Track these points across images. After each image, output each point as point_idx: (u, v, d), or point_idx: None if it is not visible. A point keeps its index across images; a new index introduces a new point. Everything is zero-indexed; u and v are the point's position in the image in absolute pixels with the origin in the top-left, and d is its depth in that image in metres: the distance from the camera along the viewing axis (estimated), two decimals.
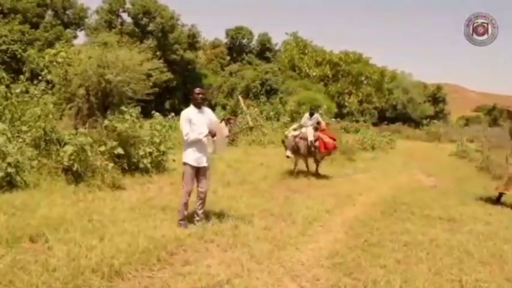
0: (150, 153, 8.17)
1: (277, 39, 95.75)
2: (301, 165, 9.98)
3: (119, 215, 5.05)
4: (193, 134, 4.78)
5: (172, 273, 3.59)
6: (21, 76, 9.03)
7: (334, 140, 9.90)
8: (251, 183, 8.11)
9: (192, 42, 45.45)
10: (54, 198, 5.59)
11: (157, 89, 10.64)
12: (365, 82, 48.19)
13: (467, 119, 57.93)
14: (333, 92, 43.86)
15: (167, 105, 39.05)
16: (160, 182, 7.65)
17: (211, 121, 5.00)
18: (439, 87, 59.47)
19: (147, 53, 11.26)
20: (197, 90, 4.98)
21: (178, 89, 40.32)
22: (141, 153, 7.97)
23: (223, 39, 54.40)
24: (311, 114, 9.88)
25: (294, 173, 9.51)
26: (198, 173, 4.94)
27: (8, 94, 7.79)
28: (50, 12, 39.51)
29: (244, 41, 53.67)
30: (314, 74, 45.09)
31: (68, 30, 37.89)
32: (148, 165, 8.04)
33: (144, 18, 41.00)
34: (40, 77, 9.60)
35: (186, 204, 4.89)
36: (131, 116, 8.10)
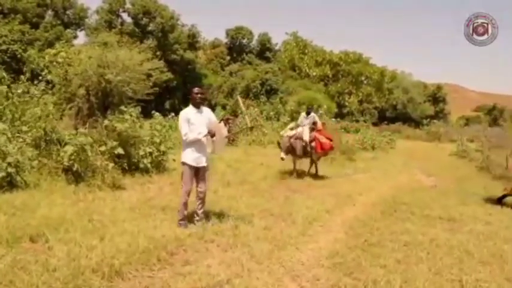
0: (150, 153, 8.17)
1: (277, 39, 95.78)
2: (301, 165, 9.96)
3: (119, 215, 5.05)
4: (192, 134, 4.77)
5: (172, 273, 3.59)
6: (22, 76, 9.03)
7: (331, 140, 9.84)
8: (251, 183, 8.11)
9: (192, 42, 45.43)
10: (55, 198, 5.59)
11: (157, 89, 10.64)
12: (365, 82, 48.17)
13: (467, 118, 57.96)
14: (333, 92, 43.85)
15: (167, 105, 39.03)
16: (161, 182, 7.65)
17: (210, 121, 4.99)
18: (439, 87, 59.44)
19: (147, 53, 11.27)
20: (196, 90, 4.96)
21: (178, 89, 40.30)
22: (141, 153, 7.97)
23: (223, 39, 54.45)
24: (307, 114, 9.84)
25: (294, 173, 9.49)
26: (197, 173, 4.93)
27: (9, 94, 7.79)
28: (50, 12, 39.50)
29: (244, 41, 53.65)
30: (314, 74, 45.09)
31: (68, 30, 37.88)
32: (149, 165, 8.04)
33: (144, 18, 40.98)
34: (40, 77, 9.60)
35: (185, 204, 4.89)
36: (131, 116, 8.10)
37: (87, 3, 57.79)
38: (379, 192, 8.50)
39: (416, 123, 45.42)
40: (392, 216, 6.23)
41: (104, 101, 8.97)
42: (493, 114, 58.97)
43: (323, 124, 10.78)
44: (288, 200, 6.96)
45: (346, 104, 44.29)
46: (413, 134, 36.20)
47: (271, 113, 23.61)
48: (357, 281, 3.63)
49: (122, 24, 41.89)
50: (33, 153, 6.54)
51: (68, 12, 40.65)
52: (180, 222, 4.86)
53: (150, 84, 9.71)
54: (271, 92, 38.16)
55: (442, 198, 8.11)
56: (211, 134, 4.84)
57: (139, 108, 8.92)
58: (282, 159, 9.18)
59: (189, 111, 4.87)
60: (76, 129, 7.73)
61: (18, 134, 6.90)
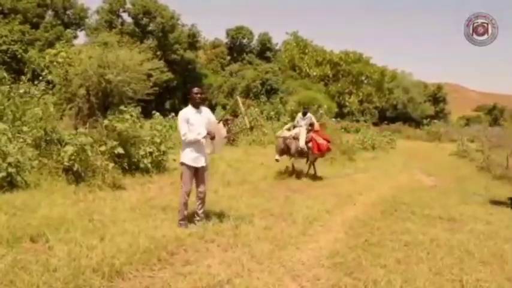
0: (151, 153, 8.18)
1: (278, 39, 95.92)
2: (301, 165, 9.93)
3: (119, 215, 5.05)
4: (191, 134, 4.76)
5: (173, 273, 3.59)
6: (23, 77, 9.04)
7: (328, 141, 9.71)
8: (251, 183, 8.11)
9: (192, 42, 45.41)
10: (55, 198, 5.59)
11: (157, 89, 10.66)
12: (365, 82, 48.17)
13: (467, 118, 58.00)
14: (334, 92, 43.86)
15: (167, 105, 39.04)
16: (161, 181, 7.65)
17: (210, 121, 4.98)
18: (439, 87, 59.42)
19: (147, 53, 11.30)
20: (195, 90, 4.94)
21: (179, 89, 40.28)
22: (142, 153, 7.97)
23: (224, 39, 54.42)
24: (304, 114, 9.75)
25: (293, 173, 9.47)
26: (197, 173, 4.92)
27: (12, 94, 7.80)
28: (50, 12, 39.47)
29: (245, 40, 53.61)
30: (314, 73, 45.11)
31: (68, 30, 37.84)
32: (149, 165, 8.04)
33: (144, 18, 40.95)
34: (41, 77, 9.61)
35: (185, 204, 4.88)
36: (131, 116, 8.11)
37: (87, 3, 57.82)
38: (380, 192, 8.50)
39: (417, 123, 45.40)
40: (393, 216, 6.23)
41: (104, 101, 8.98)
42: (494, 114, 59.02)
43: (322, 125, 10.70)
44: (288, 199, 6.96)
45: (347, 103, 44.31)
46: (413, 134, 36.19)
47: (272, 113, 23.62)
48: (357, 280, 3.63)
49: (122, 24, 41.86)
50: (34, 153, 6.54)
51: (68, 12, 40.62)
52: (181, 222, 4.86)
53: (150, 84, 9.72)
54: (271, 92, 38.16)
55: (442, 198, 8.10)
56: (211, 136, 4.83)
57: (139, 108, 8.93)
58: (277, 160, 9.13)
59: (188, 111, 4.86)
60: (76, 129, 7.73)
61: (18, 134, 6.91)
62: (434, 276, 3.82)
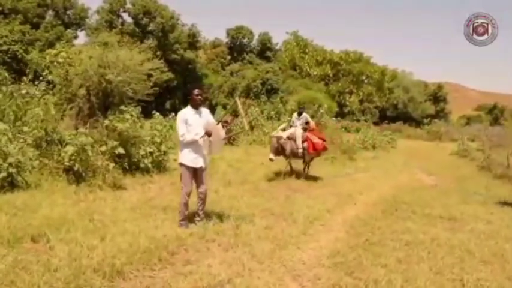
0: (151, 153, 8.17)
1: (278, 39, 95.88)
2: (300, 165, 9.90)
3: (120, 215, 5.05)
4: (189, 134, 4.76)
5: (173, 272, 3.60)
6: (24, 78, 9.03)
7: (324, 140, 9.61)
8: (252, 183, 8.12)
9: (193, 41, 45.37)
10: (56, 198, 5.59)
11: (157, 89, 10.63)
12: (366, 81, 48.14)
13: (468, 118, 57.99)
14: (334, 92, 43.87)
15: (168, 105, 39.03)
16: (161, 181, 7.66)
17: (209, 122, 4.96)
18: (439, 86, 59.37)
19: (147, 52, 11.27)
20: (196, 91, 4.91)
21: (179, 88, 40.27)
22: (142, 153, 7.97)
23: (224, 39, 54.35)
24: (299, 114, 9.66)
25: (293, 173, 9.44)
26: (196, 173, 4.92)
27: (14, 94, 7.80)
28: (50, 12, 39.46)
29: (245, 40, 53.53)
30: (315, 73, 45.12)
31: (69, 30, 37.84)
32: (149, 165, 8.04)
33: (144, 18, 40.94)
34: (41, 78, 9.60)
35: (186, 205, 4.88)
36: (132, 116, 8.10)
37: (87, 3, 57.69)
38: (380, 192, 8.50)
39: (417, 123, 45.41)
40: (393, 215, 6.23)
41: (104, 101, 8.97)
42: (494, 114, 58.99)
43: (318, 124, 10.60)
44: (289, 199, 6.96)
45: (347, 103, 44.31)
46: (414, 134, 36.22)
47: (272, 113, 23.58)
48: (358, 280, 3.63)
49: (122, 24, 41.86)
50: (34, 153, 6.54)
51: (68, 12, 40.62)
52: (181, 222, 4.86)
53: (151, 84, 9.70)
54: (271, 92, 38.14)
55: (443, 197, 8.10)
56: (208, 133, 4.82)
57: (139, 108, 8.92)
58: (271, 160, 9.05)
59: (187, 112, 4.86)
60: (77, 129, 7.72)
61: (19, 135, 6.91)
62: (435, 275, 3.82)
